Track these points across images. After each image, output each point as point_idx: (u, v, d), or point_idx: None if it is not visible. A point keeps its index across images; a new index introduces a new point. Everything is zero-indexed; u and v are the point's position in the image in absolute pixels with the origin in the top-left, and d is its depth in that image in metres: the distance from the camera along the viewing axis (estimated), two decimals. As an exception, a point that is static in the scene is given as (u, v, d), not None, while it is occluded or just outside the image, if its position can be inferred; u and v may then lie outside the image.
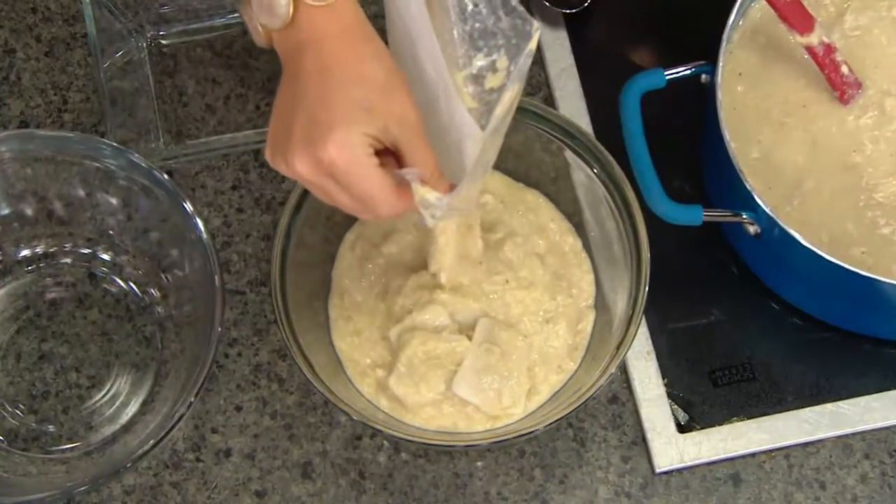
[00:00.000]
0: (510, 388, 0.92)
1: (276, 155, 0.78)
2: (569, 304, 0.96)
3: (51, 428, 0.97)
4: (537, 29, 0.73)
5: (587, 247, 0.98)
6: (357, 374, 0.95)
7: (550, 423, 0.87)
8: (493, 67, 0.77)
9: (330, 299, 0.97)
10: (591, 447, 0.97)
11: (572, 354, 0.95)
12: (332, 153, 0.75)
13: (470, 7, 0.76)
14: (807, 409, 0.98)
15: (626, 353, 0.89)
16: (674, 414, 0.98)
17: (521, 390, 0.92)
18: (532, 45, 0.73)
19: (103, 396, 0.98)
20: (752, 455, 0.97)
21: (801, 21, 0.94)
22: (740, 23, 0.98)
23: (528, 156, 0.97)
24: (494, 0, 0.75)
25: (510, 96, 0.77)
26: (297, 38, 0.78)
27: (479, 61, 0.77)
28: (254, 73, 1.06)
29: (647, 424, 0.97)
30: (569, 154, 0.95)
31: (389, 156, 0.79)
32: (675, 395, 0.99)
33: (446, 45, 0.78)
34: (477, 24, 0.76)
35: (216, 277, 0.90)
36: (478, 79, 0.79)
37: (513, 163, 0.99)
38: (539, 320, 0.94)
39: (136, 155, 0.94)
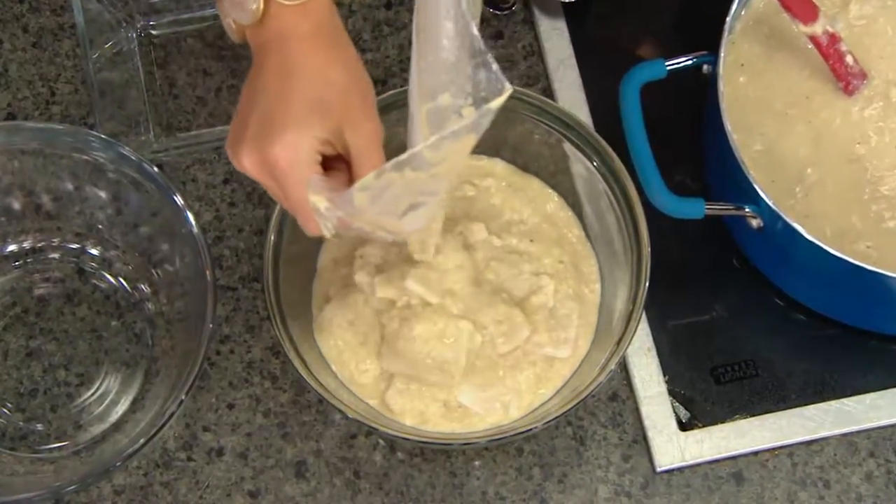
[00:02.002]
0: (516, 399, 0.92)
1: (231, 149, 0.79)
2: (579, 294, 0.95)
3: (39, 427, 0.97)
4: (509, 90, 0.71)
5: (588, 240, 0.98)
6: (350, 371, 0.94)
7: (549, 421, 0.87)
8: (458, 112, 0.76)
9: (313, 298, 0.96)
10: (591, 445, 0.97)
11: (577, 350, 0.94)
12: (275, 154, 0.76)
13: (444, 42, 0.75)
14: (811, 407, 0.98)
15: (626, 350, 0.88)
16: (675, 411, 0.98)
17: (524, 402, 0.92)
18: (497, 104, 0.71)
19: (92, 394, 0.98)
20: (755, 453, 0.97)
21: (805, 10, 0.94)
22: (742, 12, 0.98)
23: (526, 148, 0.97)
24: (472, 46, 0.73)
25: (454, 147, 0.74)
26: (266, 35, 0.79)
27: (444, 100, 0.76)
28: (245, 65, 1.03)
29: (647, 422, 0.97)
30: (568, 146, 0.94)
31: (343, 163, 0.79)
32: (676, 392, 0.98)
33: (422, 73, 0.77)
34: (451, 59, 0.75)
35: (208, 273, 0.90)
36: (439, 116, 0.77)
37: (510, 155, 0.98)
38: (547, 312, 0.94)
39: (126, 148, 0.93)
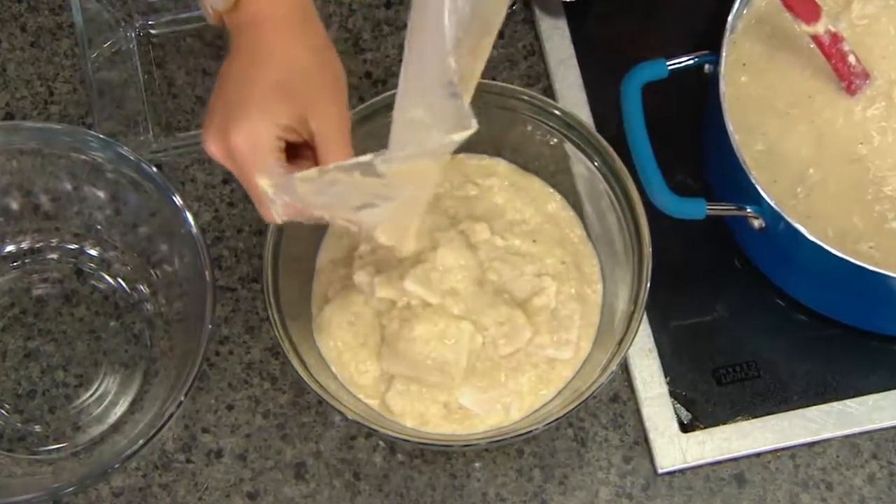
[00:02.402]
0: (517, 400, 0.92)
1: (203, 135, 0.79)
2: (581, 294, 0.95)
3: (37, 428, 0.97)
4: (472, 129, 0.69)
5: (590, 240, 0.97)
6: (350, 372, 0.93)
7: (550, 423, 0.87)
8: (428, 130, 0.74)
9: (312, 298, 0.96)
10: (592, 447, 0.97)
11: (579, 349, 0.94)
12: (236, 141, 0.77)
13: (429, 54, 0.73)
14: (813, 408, 0.98)
15: (627, 351, 0.88)
16: (676, 413, 0.97)
17: (525, 404, 0.92)
18: (458, 138, 0.70)
19: (91, 396, 0.98)
20: (757, 455, 0.97)
21: (807, 9, 0.93)
22: (744, 12, 0.98)
23: (526, 148, 0.97)
24: (442, 75, 0.71)
25: (411, 167, 0.74)
26: (240, 18, 0.80)
27: (416, 114, 0.73)
28: None
29: (648, 424, 0.97)
30: (568, 146, 0.94)
31: (309, 150, 0.79)
32: (677, 393, 0.98)
33: (407, 78, 0.75)
34: (431, 75, 0.73)
35: (207, 273, 0.90)
36: (409, 128, 0.75)
37: (511, 155, 0.98)
38: (549, 313, 0.93)
39: (125, 148, 0.93)
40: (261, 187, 0.78)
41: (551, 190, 0.98)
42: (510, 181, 0.97)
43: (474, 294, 0.92)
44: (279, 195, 0.78)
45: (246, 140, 0.76)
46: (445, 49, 0.70)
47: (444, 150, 0.72)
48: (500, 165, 0.98)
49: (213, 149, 0.78)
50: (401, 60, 1.06)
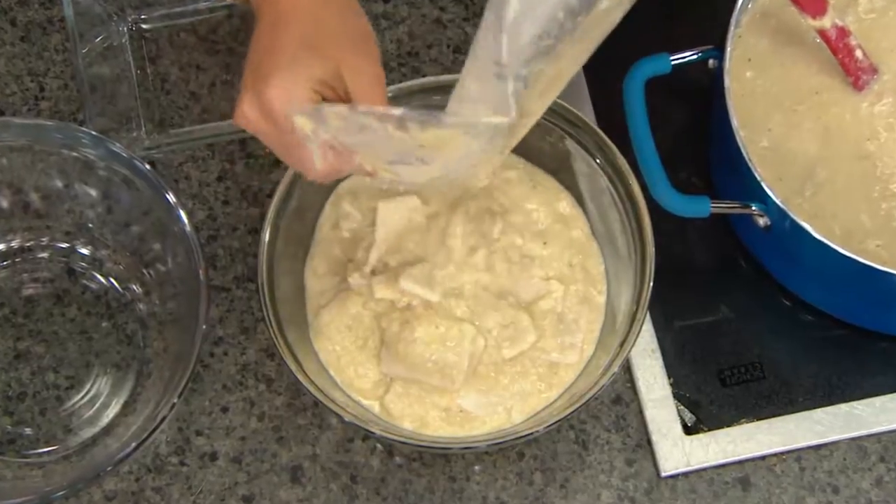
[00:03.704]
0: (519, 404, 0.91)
1: (236, 109, 0.78)
2: (587, 296, 0.94)
3: (27, 430, 0.96)
4: (510, 119, 0.70)
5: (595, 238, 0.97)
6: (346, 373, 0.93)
7: (551, 425, 0.86)
8: (476, 103, 0.74)
9: (307, 307, 0.95)
10: (594, 450, 0.97)
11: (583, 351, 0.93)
12: (270, 95, 0.75)
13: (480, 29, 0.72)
14: (819, 410, 0.97)
15: (629, 352, 0.88)
16: (680, 415, 0.97)
17: (528, 407, 0.92)
18: (493, 122, 0.71)
19: (82, 398, 0.97)
20: (762, 458, 0.97)
21: (814, 3, 0.93)
22: (749, 6, 0.97)
23: (527, 145, 0.94)
24: (493, 52, 0.70)
25: (441, 134, 0.73)
26: None
27: (470, 85, 0.72)
28: (240, 59, 1.05)
29: (651, 426, 0.97)
30: (570, 143, 0.94)
31: None
32: (681, 395, 0.98)
33: (478, 44, 0.72)
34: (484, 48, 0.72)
35: (201, 273, 0.90)
36: (461, 95, 0.74)
37: (511, 152, 0.96)
38: (556, 316, 0.93)
39: (117, 144, 0.93)
40: (299, 128, 0.76)
41: (561, 188, 0.97)
42: (529, 176, 0.97)
43: (478, 295, 0.91)
44: (317, 132, 0.76)
45: (280, 94, 0.75)
46: (500, 25, 0.68)
47: (477, 131, 0.71)
48: (514, 158, 0.97)
49: (249, 113, 0.77)
50: (399, 55, 1.07)
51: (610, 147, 0.92)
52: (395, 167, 0.79)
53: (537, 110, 0.79)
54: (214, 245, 1.01)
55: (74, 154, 0.94)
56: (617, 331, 0.90)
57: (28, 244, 1.00)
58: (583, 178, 0.95)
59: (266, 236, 0.90)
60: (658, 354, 0.98)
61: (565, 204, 0.96)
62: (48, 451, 0.95)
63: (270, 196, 0.95)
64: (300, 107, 0.76)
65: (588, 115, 1.03)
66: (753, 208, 0.92)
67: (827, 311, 0.99)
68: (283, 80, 0.75)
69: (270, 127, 0.77)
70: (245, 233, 1.02)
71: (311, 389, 0.87)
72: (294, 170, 0.88)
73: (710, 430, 0.97)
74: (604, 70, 0.99)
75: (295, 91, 0.75)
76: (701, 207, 0.93)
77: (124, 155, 0.92)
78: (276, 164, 1.03)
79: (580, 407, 0.86)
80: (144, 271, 0.98)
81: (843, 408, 0.97)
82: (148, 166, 0.92)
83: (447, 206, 0.93)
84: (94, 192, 0.97)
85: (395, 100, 0.90)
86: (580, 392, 0.88)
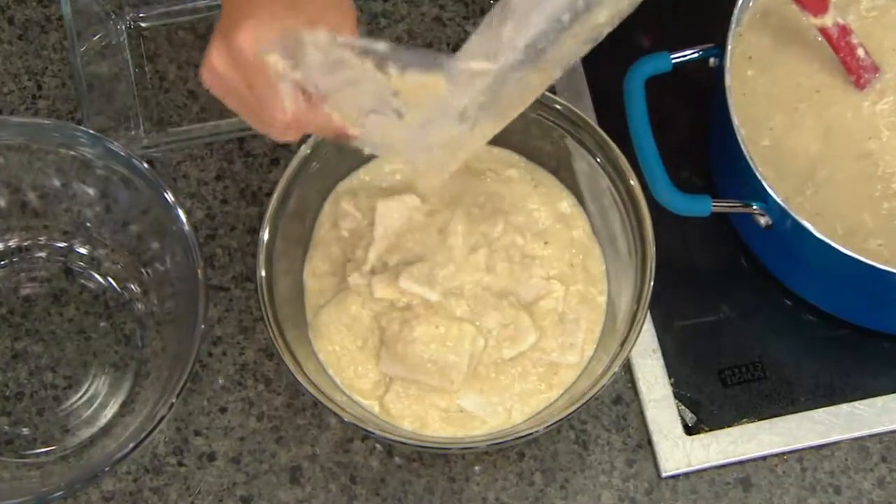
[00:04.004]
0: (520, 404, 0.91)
1: (203, 59, 0.76)
2: (587, 296, 0.94)
3: (25, 431, 0.96)
4: (493, 67, 0.72)
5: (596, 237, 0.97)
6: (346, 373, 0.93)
7: (551, 425, 0.86)
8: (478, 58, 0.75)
9: (305, 308, 0.95)
10: (594, 450, 0.96)
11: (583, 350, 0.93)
12: (241, 40, 0.73)
13: None
14: (821, 410, 0.97)
15: (630, 352, 0.88)
16: (681, 415, 0.97)
17: (528, 408, 0.91)
18: (472, 67, 0.72)
19: (80, 398, 0.97)
20: (764, 458, 0.96)
21: (815, 1, 0.93)
22: (750, 4, 0.97)
23: (527, 144, 0.96)
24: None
25: (421, 78, 0.72)
26: None
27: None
28: None
29: (652, 426, 0.96)
30: (570, 142, 0.93)
31: None
32: (682, 395, 0.98)
33: None
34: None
35: (199, 272, 0.90)
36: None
37: (512, 151, 0.97)
38: (556, 317, 0.93)
39: (115, 143, 0.93)
40: (270, 63, 0.74)
41: (562, 186, 0.97)
42: (530, 174, 0.96)
43: (479, 295, 0.91)
44: (289, 71, 0.74)
45: (252, 34, 0.73)
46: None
47: (456, 73, 0.71)
48: (515, 157, 0.97)
49: (217, 61, 0.74)
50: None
51: (611, 146, 0.91)
52: (367, 119, 0.76)
53: (496, 127, 0.79)
54: (213, 244, 1.01)
55: (72, 153, 0.94)
56: (617, 331, 0.90)
57: (26, 243, 1.00)
58: (583, 178, 0.95)
59: (265, 235, 0.89)
60: (659, 354, 0.98)
61: (566, 203, 0.96)
62: (46, 452, 0.95)
63: (269, 195, 0.95)
64: (275, 44, 0.73)
65: (589, 114, 1.03)
66: (754, 207, 0.92)
67: (828, 310, 0.99)
68: (256, 26, 0.73)
69: (239, 76, 0.75)
70: (244, 232, 1.02)
71: (311, 389, 0.86)
72: (259, 130, 0.81)
73: (710, 430, 0.96)
74: (604, 69, 1.00)
75: (268, 35, 0.73)
76: (702, 207, 0.92)
77: (122, 154, 0.92)
78: (275, 163, 1.03)
79: (580, 407, 0.86)
80: (143, 271, 0.98)
81: (845, 408, 0.97)
82: (146, 165, 0.92)
83: (447, 204, 0.93)
84: (91, 191, 0.96)
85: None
86: (580, 392, 0.88)
